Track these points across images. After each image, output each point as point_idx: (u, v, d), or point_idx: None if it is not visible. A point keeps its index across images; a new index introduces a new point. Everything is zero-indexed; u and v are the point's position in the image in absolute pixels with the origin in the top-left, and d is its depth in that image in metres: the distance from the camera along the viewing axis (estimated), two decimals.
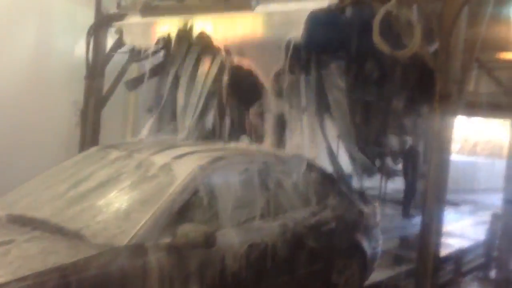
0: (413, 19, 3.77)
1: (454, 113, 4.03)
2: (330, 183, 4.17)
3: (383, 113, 5.60)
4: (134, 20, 5.24)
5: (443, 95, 3.83)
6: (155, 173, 3.13)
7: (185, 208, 2.90)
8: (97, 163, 3.43)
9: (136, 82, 5.68)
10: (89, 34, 5.72)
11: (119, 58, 5.80)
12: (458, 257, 5.20)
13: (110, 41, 5.80)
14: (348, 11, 4.09)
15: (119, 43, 5.66)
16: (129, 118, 6.66)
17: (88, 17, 5.80)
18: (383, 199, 7.95)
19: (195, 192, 2.99)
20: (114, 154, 3.49)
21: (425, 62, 3.87)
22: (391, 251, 5.84)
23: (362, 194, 4.57)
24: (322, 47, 4.74)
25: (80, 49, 5.90)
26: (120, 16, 5.49)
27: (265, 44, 4.31)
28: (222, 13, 4.52)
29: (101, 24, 5.72)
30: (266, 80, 4.39)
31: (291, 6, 4.20)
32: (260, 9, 4.35)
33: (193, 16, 4.70)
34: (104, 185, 3.11)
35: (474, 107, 4.61)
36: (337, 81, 4.83)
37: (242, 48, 4.52)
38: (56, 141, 5.97)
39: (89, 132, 5.82)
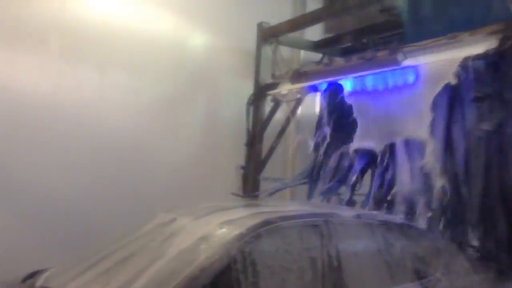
0: None
1: None
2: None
3: None
4: (286, 87, 5.47)
5: None
6: (186, 243, 2.70)
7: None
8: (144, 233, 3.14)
9: None
10: (248, 103, 6.16)
11: (276, 124, 6.08)
12: None
13: (267, 109, 6.14)
14: None
15: (275, 110, 5.95)
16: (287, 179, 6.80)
17: (248, 88, 6.30)
18: None
19: (229, 267, 2.46)
20: (161, 219, 3.21)
21: None
22: None
23: None
24: None
25: (241, 117, 6.36)
26: (274, 85, 5.81)
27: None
28: (369, 71, 4.43)
29: (259, 93, 6.11)
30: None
31: (441, 56, 3.90)
32: (408, 62, 4.13)
33: (340, 77, 4.70)
34: (126, 260, 2.80)
35: None
36: None
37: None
38: None
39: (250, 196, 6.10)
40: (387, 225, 3.34)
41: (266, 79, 6.06)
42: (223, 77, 6.65)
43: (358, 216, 3.30)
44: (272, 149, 6.13)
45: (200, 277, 2.38)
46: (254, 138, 6.15)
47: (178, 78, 6.33)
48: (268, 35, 6.12)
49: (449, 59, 3.81)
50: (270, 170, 6.32)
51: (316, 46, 6.39)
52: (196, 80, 6.48)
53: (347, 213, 3.38)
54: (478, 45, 3.69)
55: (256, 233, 2.64)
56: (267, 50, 6.15)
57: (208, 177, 6.35)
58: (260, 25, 6.25)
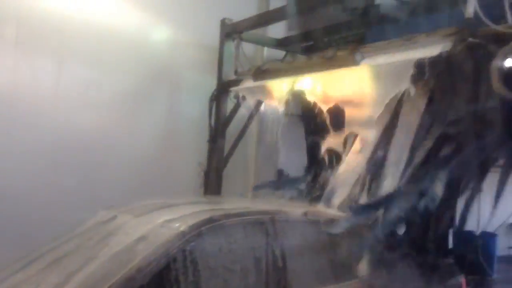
0: None
1: None
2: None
3: None
4: (248, 84, 5.48)
5: None
6: (126, 239, 2.61)
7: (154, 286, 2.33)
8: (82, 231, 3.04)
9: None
10: (211, 99, 6.14)
11: (238, 120, 6.08)
12: None
13: (230, 105, 6.13)
14: None
15: (237, 107, 5.95)
16: (249, 177, 6.82)
17: (211, 84, 6.26)
18: None
19: (168, 266, 2.40)
20: (101, 217, 3.12)
21: None
22: None
23: None
24: None
25: (204, 114, 6.31)
26: (237, 82, 5.81)
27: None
28: (328, 71, 4.48)
29: (221, 89, 6.10)
30: None
31: (398, 57, 3.99)
32: (366, 62, 4.21)
33: (301, 75, 4.75)
34: (60, 260, 2.68)
35: None
36: None
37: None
38: None
39: (212, 192, 6.08)
40: (333, 223, 3.28)
41: (229, 75, 6.06)
42: (185, 73, 6.59)
43: (305, 214, 3.23)
44: (234, 146, 6.14)
45: (137, 278, 2.29)
46: (216, 135, 6.14)
47: (140, 72, 6.23)
48: (231, 31, 6.11)
49: (405, 59, 3.90)
50: (233, 167, 6.33)
51: (279, 43, 6.42)
52: (158, 75, 6.40)
53: (295, 210, 3.30)
54: (434, 47, 3.80)
55: (198, 231, 2.58)
56: (230, 46, 6.14)
57: (170, 174, 6.28)
58: (223, 21, 6.23)
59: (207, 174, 6.19)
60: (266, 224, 2.86)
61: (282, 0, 6.49)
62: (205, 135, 6.18)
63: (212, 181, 6.11)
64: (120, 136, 6.04)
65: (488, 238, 5.93)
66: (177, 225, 2.63)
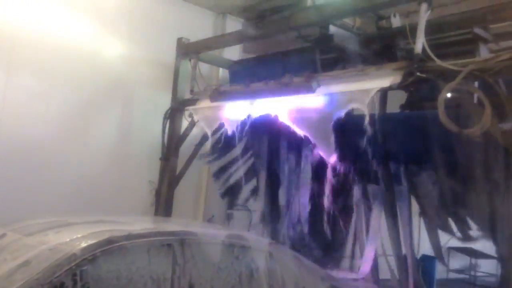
0: (481, 95, 3.58)
1: None
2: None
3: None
4: (205, 104, 5.52)
5: None
6: (10, 262, 2.35)
7: None
8: None
9: None
10: (165, 117, 6.12)
11: (192, 139, 6.09)
12: None
13: (184, 124, 6.12)
14: None
15: (192, 126, 5.96)
16: (201, 197, 6.81)
17: (166, 102, 6.24)
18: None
19: None
20: None
21: (497, 139, 3.59)
22: None
23: None
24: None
25: (157, 131, 6.26)
26: (193, 101, 5.83)
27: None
28: (285, 96, 4.62)
29: (176, 108, 6.09)
30: None
31: (352, 86, 4.19)
32: (321, 90, 4.39)
33: (258, 99, 4.86)
34: None
35: None
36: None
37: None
38: None
39: (163, 211, 6.01)
40: (250, 247, 3.09)
41: (185, 94, 6.08)
42: (140, 89, 6.52)
43: (221, 236, 3.01)
44: (187, 165, 6.12)
45: None
46: (169, 153, 6.11)
47: (92, 87, 6.10)
48: (188, 50, 6.16)
49: (358, 89, 4.11)
50: (185, 186, 6.30)
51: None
52: (111, 90, 6.29)
53: (209, 232, 3.12)
54: (384, 79, 4.03)
55: (92, 254, 2.34)
56: (186, 65, 6.17)
57: (120, 192, 6.15)
58: (179, 40, 6.26)
59: (158, 193, 6.12)
60: (174, 247, 2.63)
61: (238, 22, 6.68)
62: (158, 153, 6.13)
63: (163, 200, 6.05)
64: (67, 151, 5.85)
65: (428, 261, 6.24)
66: (67, 247, 2.36)
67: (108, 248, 2.42)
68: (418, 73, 3.83)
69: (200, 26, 6.91)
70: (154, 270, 2.52)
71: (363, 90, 4.09)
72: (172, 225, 3.32)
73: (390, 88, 3.96)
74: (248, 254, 3.00)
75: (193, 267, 2.65)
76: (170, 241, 2.65)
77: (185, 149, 6.14)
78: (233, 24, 6.99)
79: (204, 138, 5.96)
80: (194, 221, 4.29)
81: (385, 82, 4.00)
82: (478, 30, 4.21)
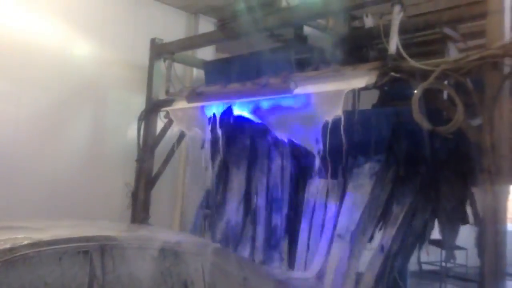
0: (453, 94, 3.72)
1: (507, 186, 3.82)
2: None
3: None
4: (181, 105, 5.51)
5: (493, 170, 3.66)
6: None
7: None
8: None
9: None
10: (140, 119, 6.06)
11: (168, 140, 6.07)
12: None
13: (160, 125, 6.09)
14: None
15: (167, 127, 5.94)
16: (178, 198, 6.79)
17: (140, 103, 6.19)
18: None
19: None
20: None
21: (468, 137, 3.75)
22: None
23: None
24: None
25: (132, 133, 6.21)
26: (168, 102, 5.81)
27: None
28: (263, 96, 4.67)
29: (151, 109, 6.05)
30: None
31: (328, 87, 4.28)
32: (299, 90, 4.45)
33: (235, 100, 4.89)
34: None
35: None
36: None
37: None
38: None
39: (139, 213, 5.97)
40: (185, 252, 2.83)
41: (160, 95, 6.04)
42: (113, 90, 6.44)
43: (148, 241, 2.74)
44: (163, 166, 6.10)
45: None
46: (145, 154, 6.06)
47: (64, 89, 5.99)
48: (162, 51, 6.12)
49: (334, 90, 4.19)
50: (161, 187, 6.27)
51: None
52: (84, 92, 6.19)
53: (134, 236, 2.84)
54: (359, 79, 4.13)
55: None
56: (160, 66, 6.14)
57: (95, 195, 6.06)
58: (153, 41, 6.22)
59: (135, 195, 6.07)
60: (91, 254, 2.41)
61: (211, 23, 6.68)
62: (133, 154, 6.08)
63: (140, 202, 6.01)
64: (39, 155, 5.74)
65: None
66: None
67: (8, 258, 2.17)
68: (392, 73, 3.95)
69: (172, 26, 6.88)
70: (67, 282, 2.28)
71: (338, 90, 4.18)
72: (93, 229, 2.98)
73: (366, 88, 4.06)
74: (181, 261, 2.76)
75: (114, 277, 2.43)
76: (86, 248, 2.42)
77: (161, 150, 6.11)
78: (206, 25, 6.99)
79: (180, 138, 5.94)
80: (122, 224, 3.97)
81: (360, 82, 4.10)
82: (447, 30, 4.37)
